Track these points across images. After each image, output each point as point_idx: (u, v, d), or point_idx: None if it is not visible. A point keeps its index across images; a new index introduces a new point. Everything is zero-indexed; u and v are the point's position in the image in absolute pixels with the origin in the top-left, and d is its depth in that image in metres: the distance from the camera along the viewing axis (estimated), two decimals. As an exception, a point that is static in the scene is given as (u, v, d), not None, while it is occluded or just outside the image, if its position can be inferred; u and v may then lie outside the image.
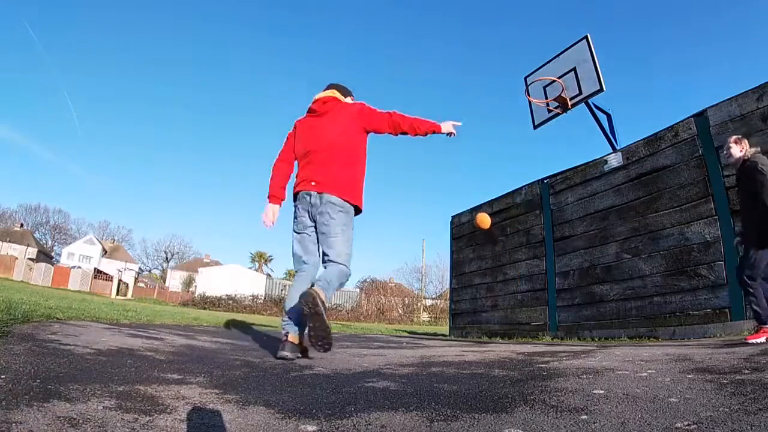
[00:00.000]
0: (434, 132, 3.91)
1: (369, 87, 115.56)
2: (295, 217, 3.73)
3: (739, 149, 4.47)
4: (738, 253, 5.12)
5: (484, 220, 6.54)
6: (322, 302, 3.21)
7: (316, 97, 3.94)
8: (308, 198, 3.58)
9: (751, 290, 4.22)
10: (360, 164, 3.76)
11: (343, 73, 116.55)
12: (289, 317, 3.52)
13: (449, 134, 4.02)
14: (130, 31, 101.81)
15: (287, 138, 4.02)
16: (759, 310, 4.19)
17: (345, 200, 3.54)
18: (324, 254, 3.56)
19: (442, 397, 2.12)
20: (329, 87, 4.04)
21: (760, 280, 4.22)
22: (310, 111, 3.94)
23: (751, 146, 4.47)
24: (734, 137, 4.56)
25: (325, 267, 3.55)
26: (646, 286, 6.13)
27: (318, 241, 3.64)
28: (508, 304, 8.56)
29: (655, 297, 5.99)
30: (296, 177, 3.83)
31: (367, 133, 3.81)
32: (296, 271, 3.73)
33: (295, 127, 3.99)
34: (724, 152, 4.59)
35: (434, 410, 1.87)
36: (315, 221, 3.59)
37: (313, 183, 3.57)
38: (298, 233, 3.70)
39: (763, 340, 4.01)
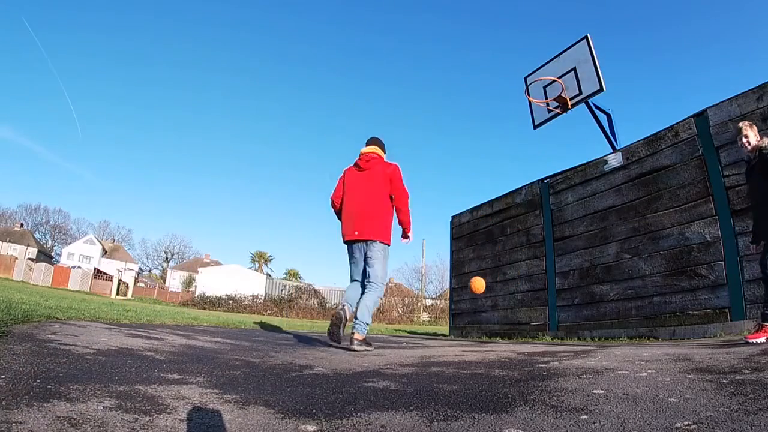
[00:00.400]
0: (404, 229, 5.27)
1: (369, 89, 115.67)
2: (350, 254, 5.16)
3: (755, 136, 4.34)
4: (738, 253, 5.12)
5: (479, 286, 6.61)
6: (346, 319, 4.96)
7: (362, 152, 5.21)
8: (357, 244, 5.03)
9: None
10: (388, 214, 5.08)
11: (342, 75, 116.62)
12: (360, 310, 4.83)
13: (406, 238, 5.35)
14: (130, 32, 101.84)
15: (339, 181, 5.36)
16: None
17: (381, 242, 4.94)
18: (368, 275, 4.94)
19: (442, 397, 2.12)
20: (371, 142, 5.31)
21: None
22: (356, 165, 5.23)
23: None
24: (747, 122, 4.43)
25: (367, 283, 4.95)
26: (646, 286, 6.13)
27: (364, 268, 5.04)
28: (508, 304, 8.56)
29: (655, 297, 5.99)
30: (344, 224, 5.17)
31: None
32: (351, 282, 5.26)
33: (344, 175, 5.32)
34: (740, 140, 4.39)
35: (434, 410, 1.87)
36: (364, 255, 5.01)
37: (356, 233, 4.96)
38: (353, 264, 5.18)
39: (763, 339, 3.93)
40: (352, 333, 4.79)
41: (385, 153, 5.35)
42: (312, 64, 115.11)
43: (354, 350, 4.67)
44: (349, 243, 5.11)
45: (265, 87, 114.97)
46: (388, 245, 5.07)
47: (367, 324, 4.83)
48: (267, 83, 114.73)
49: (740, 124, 4.42)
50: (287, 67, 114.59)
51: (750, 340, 3.98)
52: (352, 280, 5.23)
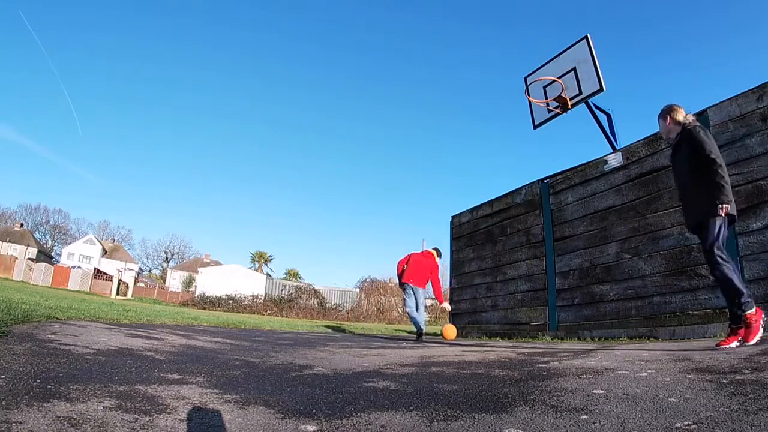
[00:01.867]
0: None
1: (369, 88, 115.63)
2: (405, 290, 8.59)
3: (676, 118, 4.34)
4: (738, 253, 5.12)
5: (450, 333, 8.50)
6: (422, 334, 8.32)
7: (426, 250, 9.03)
8: (411, 287, 8.51)
9: (721, 261, 3.85)
10: (426, 277, 8.72)
11: (342, 74, 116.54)
12: (416, 320, 8.37)
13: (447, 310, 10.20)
14: (131, 31, 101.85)
15: (406, 257, 8.89)
16: (738, 286, 3.81)
17: (422, 288, 8.64)
18: (418, 303, 8.54)
19: (442, 397, 2.12)
20: (434, 249, 9.04)
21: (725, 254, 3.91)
22: (421, 253, 8.91)
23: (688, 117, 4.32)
24: (665, 108, 4.44)
25: (418, 309, 8.53)
26: (646, 286, 6.13)
27: (415, 298, 8.57)
28: (508, 304, 8.56)
29: (655, 297, 5.98)
30: (406, 274, 8.62)
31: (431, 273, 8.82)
32: (408, 308, 8.60)
33: (410, 256, 8.87)
34: (661, 127, 4.46)
35: (434, 410, 1.87)
36: (413, 292, 8.54)
37: (411, 280, 8.50)
38: (407, 296, 8.58)
39: (734, 345, 3.78)
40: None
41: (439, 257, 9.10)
42: (312, 64, 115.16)
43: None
44: (408, 286, 8.61)
45: (266, 86, 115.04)
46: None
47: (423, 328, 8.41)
48: (267, 83, 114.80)
49: (663, 110, 4.45)
50: (287, 66, 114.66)
51: (722, 346, 3.80)
52: (408, 307, 8.62)
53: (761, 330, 3.75)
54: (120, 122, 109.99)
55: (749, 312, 3.75)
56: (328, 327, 12.40)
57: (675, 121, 4.35)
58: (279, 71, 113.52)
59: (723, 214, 3.88)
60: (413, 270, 8.57)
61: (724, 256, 3.87)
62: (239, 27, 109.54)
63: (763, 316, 3.78)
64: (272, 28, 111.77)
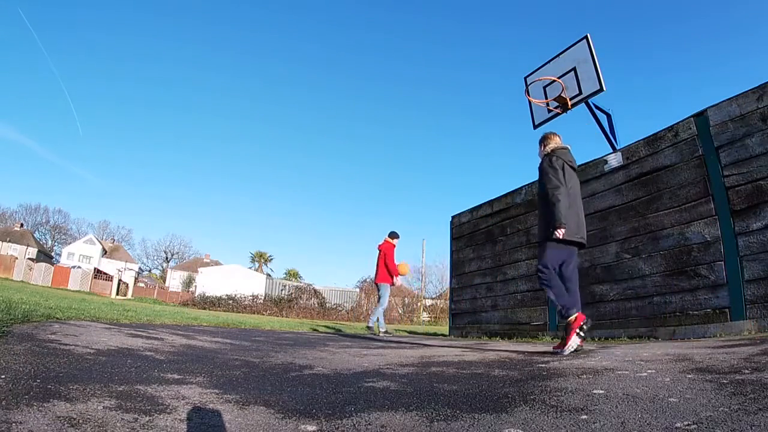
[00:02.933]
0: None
1: (368, 88, 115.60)
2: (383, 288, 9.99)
3: (542, 149, 4.87)
4: (738, 253, 5.12)
5: (404, 269, 9.71)
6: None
7: (382, 241, 10.27)
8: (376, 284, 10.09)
9: (545, 279, 4.38)
10: (385, 269, 9.87)
11: (339, 72, 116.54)
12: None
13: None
14: (131, 31, 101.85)
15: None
16: (559, 301, 4.29)
17: (383, 283, 9.91)
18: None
19: (442, 397, 2.12)
20: (390, 234, 10.38)
21: (555, 272, 4.41)
22: (379, 247, 10.15)
23: (558, 142, 4.85)
24: (542, 136, 4.95)
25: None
26: (646, 286, 6.12)
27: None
28: (508, 304, 8.56)
29: (655, 297, 5.98)
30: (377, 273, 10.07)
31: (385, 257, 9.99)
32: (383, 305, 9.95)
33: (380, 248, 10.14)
34: (538, 153, 4.91)
35: (434, 410, 1.87)
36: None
37: (375, 278, 10.07)
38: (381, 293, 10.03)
39: (572, 348, 4.10)
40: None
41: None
42: (311, 63, 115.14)
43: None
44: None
45: (266, 87, 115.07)
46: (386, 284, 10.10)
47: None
48: (267, 83, 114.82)
49: (542, 136, 4.97)
50: (287, 66, 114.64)
51: (556, 350, 4.24)
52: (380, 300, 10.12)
53: (574, 337, 4.14)
54: (120, 122, 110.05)
55: (570, 318, 4.23)
56: (328, 327, 12.41)
57: (543, 150, 4.86)
58: (279, 71, 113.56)
59: (557, 237, 4.32)
60: (377, 267, 9.99)
61: (545, 278, 4.40)
62: (239, 27, 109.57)
63: (582, 323, 4.17)
64: (272, 27, 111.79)
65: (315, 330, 9.97)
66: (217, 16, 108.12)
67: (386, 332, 9.72)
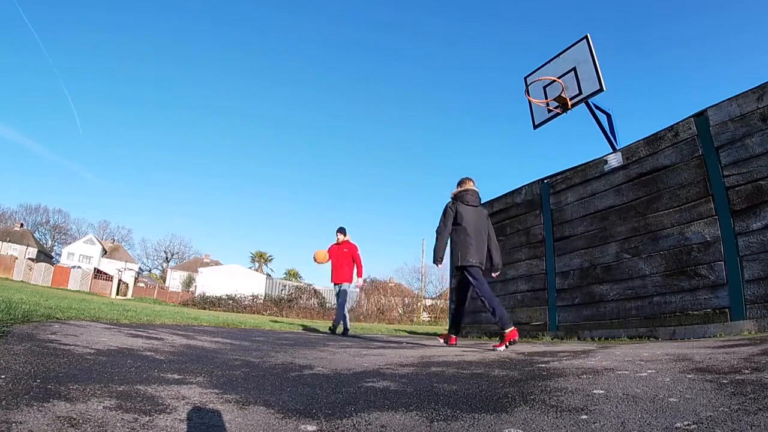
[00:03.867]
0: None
1: (368, 87, 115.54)
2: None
3: (454, 191, 6.04)
4: (738, 253, 5.12)
5: (319, 257, 9.42)
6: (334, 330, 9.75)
7: (341, 240, 9.61)
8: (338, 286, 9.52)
9: (483, 300, 5.61)
10: (351, 268, 9.55)
11: (340, 72, 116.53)
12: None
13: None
14: (132, 31, 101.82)
15: (330, 248, 9.65)
16: (499, 315, 5.35)
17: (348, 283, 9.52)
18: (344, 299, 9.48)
19: (442, 397, 2.12)
20: (341, 231, 9.73)
21: (485, 289, 5.59)
22: (337, 243, 9.61)
23: (469, 186, 6.01)
24: (459, 180, 6.11)
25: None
26: (646, 286, 6.12)
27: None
28: (508, 304, 8.55)
29: (655, 297, 5.98)
30: (334, 273, 9.59)
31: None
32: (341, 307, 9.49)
33: (330, 248, 9.63)
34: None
35: (434, 410, 1.87)
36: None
37: (337, 278, 9.49)
38: (338, 294, 9.66)
39: (502, 349, 5.09)
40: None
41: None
42: (312, 63, 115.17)
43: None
44: (337, 286, 9.69)
45: (266, 86, 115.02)
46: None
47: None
48: (267, 82, 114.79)
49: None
50: (288, 66, 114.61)
51: (495, 348, 5.16)
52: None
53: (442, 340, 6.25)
54: (121, 122, 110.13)
55: (451, 337, 6.19)
56: (328, 327, 12.40)
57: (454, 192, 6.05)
58: (280, 71, 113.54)
59: (457, 267, 5.73)
60: (337, 267, 9.50)
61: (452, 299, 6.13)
62: (240, 26, 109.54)
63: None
64: (273, 27, 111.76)
65: (315, 330, 9.96)
66: (217, 15, 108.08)
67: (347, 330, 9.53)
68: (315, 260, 9.50)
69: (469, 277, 5.65)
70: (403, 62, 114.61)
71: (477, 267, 5.65)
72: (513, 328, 5.26)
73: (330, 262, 9.65)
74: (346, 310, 9.50)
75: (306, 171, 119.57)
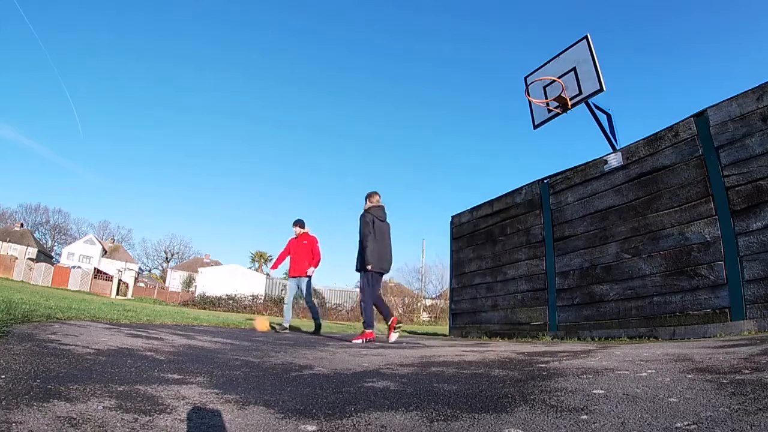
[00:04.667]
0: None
1: (368, 86, 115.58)
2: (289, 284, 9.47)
3: (365, 203, 7.19)
4: (738, 253, 5.12)
5: (262, 325, 8.64)
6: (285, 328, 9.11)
7: (301, 234, 9.47)
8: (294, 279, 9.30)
9: (363, 299, 6.93)
10: (311, 261, 9.32)
11: (340, 72, 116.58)
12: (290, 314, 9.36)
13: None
14: (133, 31, 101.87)
15: (288, 242, 9.55)
16: (365, 318, 6.72)
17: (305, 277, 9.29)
18: (303, 292, 9.22)
19: (442, 397, 2.12)
20: (299, 223, 9.58)
21: (371, 295, 6.83)
22: (296, 236, 9.52)
23: (376, 202, 7.18)
24: (367, 194, 7.25)
25: (306, 301, 9.42)
26: (646, 286, 6.12)
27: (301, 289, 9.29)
28: (508, 304, 8.56)
29: (655, 297, 5.98)
30: (293, 267, 9.38)
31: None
32: (286, 303, 9.32)
33: (289, 242, 9.54)
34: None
35: (434, 410, 1.87)
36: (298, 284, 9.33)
37: (296, 271, 9.25)
38: (290, 290, 9.41)
39: (360, 342, 6.32)
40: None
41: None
42: (313, 62, 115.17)
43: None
44: (293, 278, 9.45)
45: (264, 86, 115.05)
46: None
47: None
48: (267, 82, 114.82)
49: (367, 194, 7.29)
50: (290, 66, 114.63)
51: (353, 342, 6.33)
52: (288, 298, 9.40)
53: (360, 341, 6.44)
54: (121, 121, 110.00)
55: (365, 329, 6.72)
56: (327, 327, 12.41)
57: (365, 205, 7.19)
58: (281, 71, 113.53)
59: (368, 270, 6.81)
60: (297, 261, 9.33)
61: (363, 298, 6.94)
62: (241, 26, 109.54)
63: (367, 339, 6.56)
64: (276, 26, 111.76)
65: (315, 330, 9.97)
66: (217, 14, 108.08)
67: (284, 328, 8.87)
68: (257, 328, 8.43)
69: (366, 281, 6.89)
70: (399, 61, 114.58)
71: (379, 274, 7.03)
72: (372, 330, 6.66)
73: (289, 257, 9.55)
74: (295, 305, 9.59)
75: (304, 170, 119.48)
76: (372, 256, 6.80)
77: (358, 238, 7.06)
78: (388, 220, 7.25)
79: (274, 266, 10.07)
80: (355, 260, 7.09)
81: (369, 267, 6.74)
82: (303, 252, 9.35)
